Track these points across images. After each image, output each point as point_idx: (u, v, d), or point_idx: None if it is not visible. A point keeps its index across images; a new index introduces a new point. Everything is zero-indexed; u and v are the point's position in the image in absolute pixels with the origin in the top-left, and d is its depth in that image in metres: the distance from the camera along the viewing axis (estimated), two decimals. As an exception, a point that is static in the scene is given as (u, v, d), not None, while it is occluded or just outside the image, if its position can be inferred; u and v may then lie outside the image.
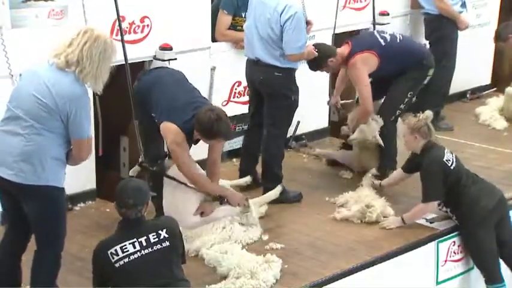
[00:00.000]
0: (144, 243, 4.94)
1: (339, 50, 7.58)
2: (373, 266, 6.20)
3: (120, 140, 7.73)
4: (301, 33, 6.93)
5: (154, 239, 4.96)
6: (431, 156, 6.62)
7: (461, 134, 9.26)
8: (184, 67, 7.31)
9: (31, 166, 4.91)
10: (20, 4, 6.33)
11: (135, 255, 4.91)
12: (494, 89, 10.64)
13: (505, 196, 6.85)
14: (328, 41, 8.61)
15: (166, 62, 7.17)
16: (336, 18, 8.58)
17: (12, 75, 6.24)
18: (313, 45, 7.40)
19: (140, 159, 6.70)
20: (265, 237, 6.51)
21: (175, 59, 7.25)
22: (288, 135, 8.55)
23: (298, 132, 8.62)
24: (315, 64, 7.52)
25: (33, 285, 5.25)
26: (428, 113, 6.83)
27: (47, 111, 4.88)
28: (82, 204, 7.05)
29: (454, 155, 6.71)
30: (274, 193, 6.99)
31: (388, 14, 9.16)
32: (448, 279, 6.76)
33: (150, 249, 4.94)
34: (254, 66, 7.15)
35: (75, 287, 5.72)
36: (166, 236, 4.99)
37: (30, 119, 4.90)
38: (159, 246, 4.96)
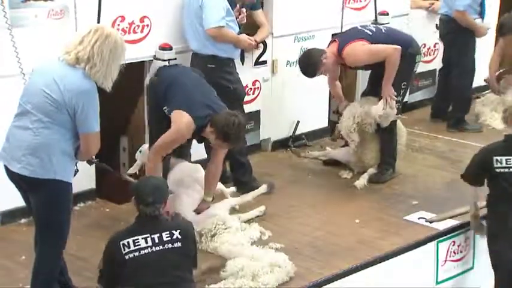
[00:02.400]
0: (157, 240, 4.99)
1: (327, 48, 7.66)
2: (373, 266, 6.19)
3: (120, 140, 7.73)
4: (216, 7, 7.07)
5: (167, 237, 5.00)
6: (489, 146, 6.40)
7: (461, 133, 9.26)
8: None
9: (39, 159, 4.97)
10: (19, 4, 6.33)
11: (146, 251, 4.96)
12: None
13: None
14: (328, 41, 8.61)
15: (166, 62, 7.17)
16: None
17: (24, 74, 6.25)
18: (302, 52, 7.65)
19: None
20: (265, 237, 6.52)
21: (175, 58, 7.26)
22: (288, 135, 8.60)
23: (298, 132, 8.63)
24: (311, 67, 7.56)
25: (33, 284, 5.25)
26: None
27: (55, 105, 4.95)
28: (82, 204, 7.05)
29: None
30: (259, 191, 7.02)
31: (388, 14, 9.15)
32: (448, 279, 6.75)
33: (161, 247, 4.98)
34: (194, 58, 7.33)
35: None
36: (179, 237, 5.03)
37: (39, 113, 4.97)
38: (170, 245, 5.00)
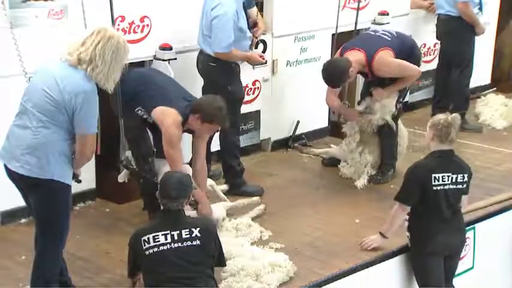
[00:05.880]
0: (176, 237, 5.07)
1: (352, 58, 7.42)
2: (372, 266, 6.20)
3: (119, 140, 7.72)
4: (224, 33, 6.98)
5: (186, 235, 5.09)
6: (424, 163, 6.19)
7: (461, 133, 9.24)
8: (184, 67, 7.34)
9: (37, 159, 4.98)
10: (19, 4, 6.33)
11: (165, 247, 5.06)
12: (494, 88, 10.66)
13: (504, 196, 6.77)
14: (328, 41, 8.63)
15: (166, 62, 7.18)
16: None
17: (24, 73, 6.24)
18: (327, 62, 7.50)
19: (122, 158, 6.70)
20: (265, 237, 6.52)
21: (175, 58, 7.26)
22: (288, 135, 8.61)
23: (298, 132, 8.63)
24: (339, 77, 7.40)
25: (33, 284, 5.26)
26: (456, 117, 6.13)
27: (54, 105, 4.96)
28: (82, 204, 7.06)
29: (460, 184, 6.09)
30: (258, 209, 6.97)
31: (388, 14, 9.15)
32: (448, 279, 6.76)
33: (179, 244, 5.07)
34: (199, 55, 7.32)
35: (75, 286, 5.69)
36: (199, 235, 5.10)
37: (38, 112, 4.99)
38: (189, 243, 5.08)
